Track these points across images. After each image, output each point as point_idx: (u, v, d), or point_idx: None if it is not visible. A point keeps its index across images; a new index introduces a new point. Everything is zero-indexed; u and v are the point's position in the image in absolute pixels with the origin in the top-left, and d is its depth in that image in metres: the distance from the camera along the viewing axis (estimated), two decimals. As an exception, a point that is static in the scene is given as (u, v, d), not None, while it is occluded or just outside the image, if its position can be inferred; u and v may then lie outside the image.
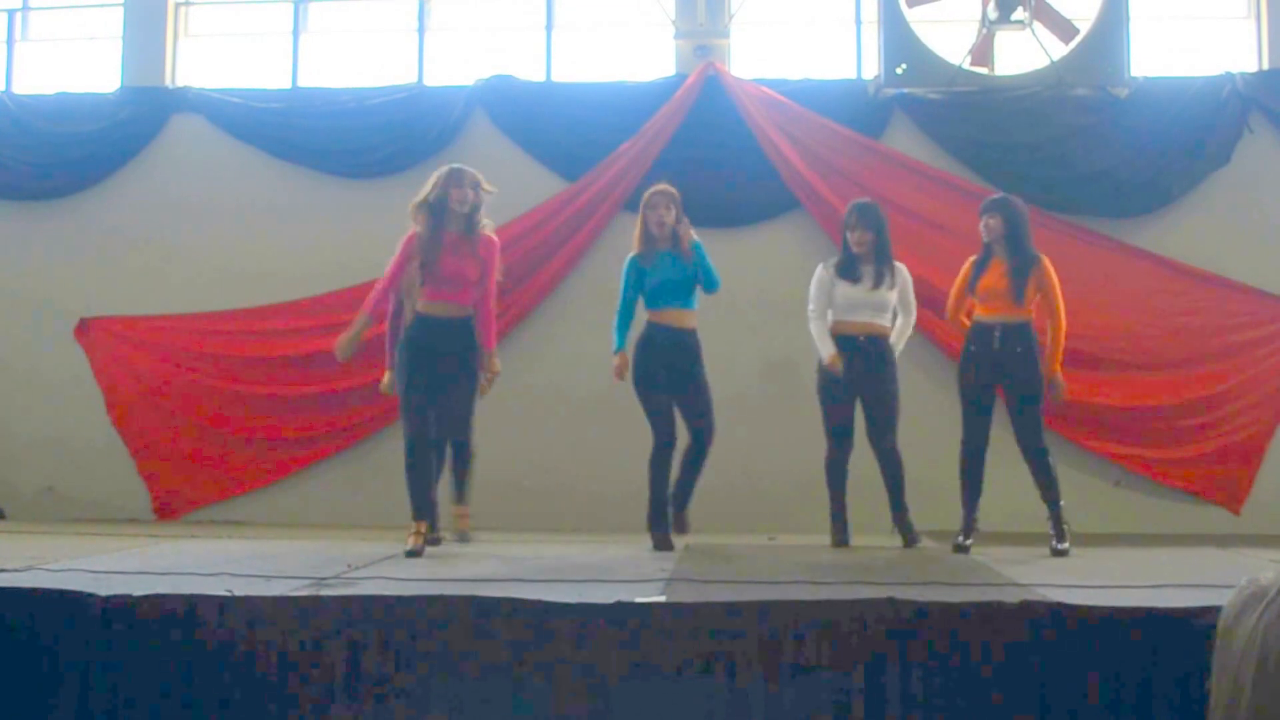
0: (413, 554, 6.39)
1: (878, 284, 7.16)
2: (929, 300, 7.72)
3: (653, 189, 7.18)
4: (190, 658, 4.45)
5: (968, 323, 7.20)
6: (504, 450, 7.53)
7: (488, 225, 6.71)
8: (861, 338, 7.16)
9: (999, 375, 7.02)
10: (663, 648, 4.36)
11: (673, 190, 7.11)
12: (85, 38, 10.56)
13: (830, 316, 7.24)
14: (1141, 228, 9.32)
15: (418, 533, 6.53)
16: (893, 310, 7.28)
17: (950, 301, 7.30)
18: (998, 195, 7.29)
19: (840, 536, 7.25)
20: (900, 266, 7.30)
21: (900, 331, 7.35)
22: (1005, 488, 7.25)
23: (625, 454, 7.76)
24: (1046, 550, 6.97)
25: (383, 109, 9.80)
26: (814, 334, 7.29)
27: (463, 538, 7.02)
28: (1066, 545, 6.85)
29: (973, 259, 7.18)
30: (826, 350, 7.19)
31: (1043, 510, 6.95)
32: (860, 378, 7.17)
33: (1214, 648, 1.51)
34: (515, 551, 6.87)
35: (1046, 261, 7.05)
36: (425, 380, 6.59)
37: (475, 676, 4.38)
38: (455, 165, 6.71)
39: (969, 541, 6.98)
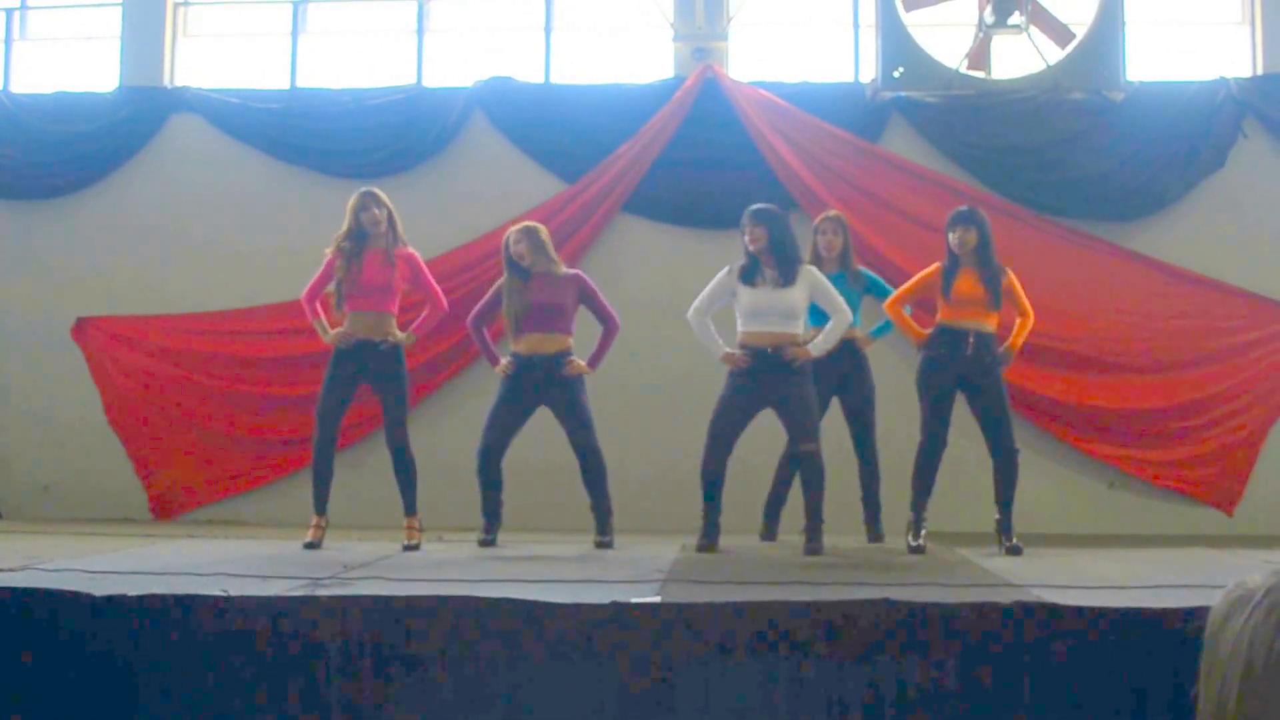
0: (311, 546, 6.88)
1: (780, 284, 6.93)
2: (922, 300, 7.72)
3: (824, 215, 7.81)
4: (186, 658, 4.46)
5: (905, 314, 7.35)
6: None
7: (405, 242, 7.28)
8: (770, 349, 6.89)
9: (966, 381, 7.11)
10: (658, 648, 4.37)
11: (841, 216, 7.73)
12: (84, 37, 10.56)
13: (738, 325, 7.05)
14: (1136, 231, 9.35)
15: (317, 526, 7.04)
16: (804, 317, 7.05)
17: (901, 291, 7.38)
18: (965, 208, 7.35)
19: (711, 540, 7.03)
20: (809, 269, 7.07)
21: (828, 333, 6.98)
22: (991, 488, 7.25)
23: (622, 454, 7.79)
24: (1042, 550, 7.04)
25: (382, 110, 9.80)
26: (696, 332, 7.12)
27: (411, 547, 7.01)
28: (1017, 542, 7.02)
29: (940, 266, 7.21)
30: (717, 350, 7.04)
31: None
32: (766, 391, 6.95)
33: (1202, 651, 1.48)
34: (512, 552, 6.91)
35: (1010, 271, 7.21)
36: (342, 388, 7.17)
37: (470, 676, 4.39)
38: (363, 190, 7.25)
39: (920, 542, 7.07)
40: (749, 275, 7.03)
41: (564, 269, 7.42)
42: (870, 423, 7.62)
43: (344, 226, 7.16)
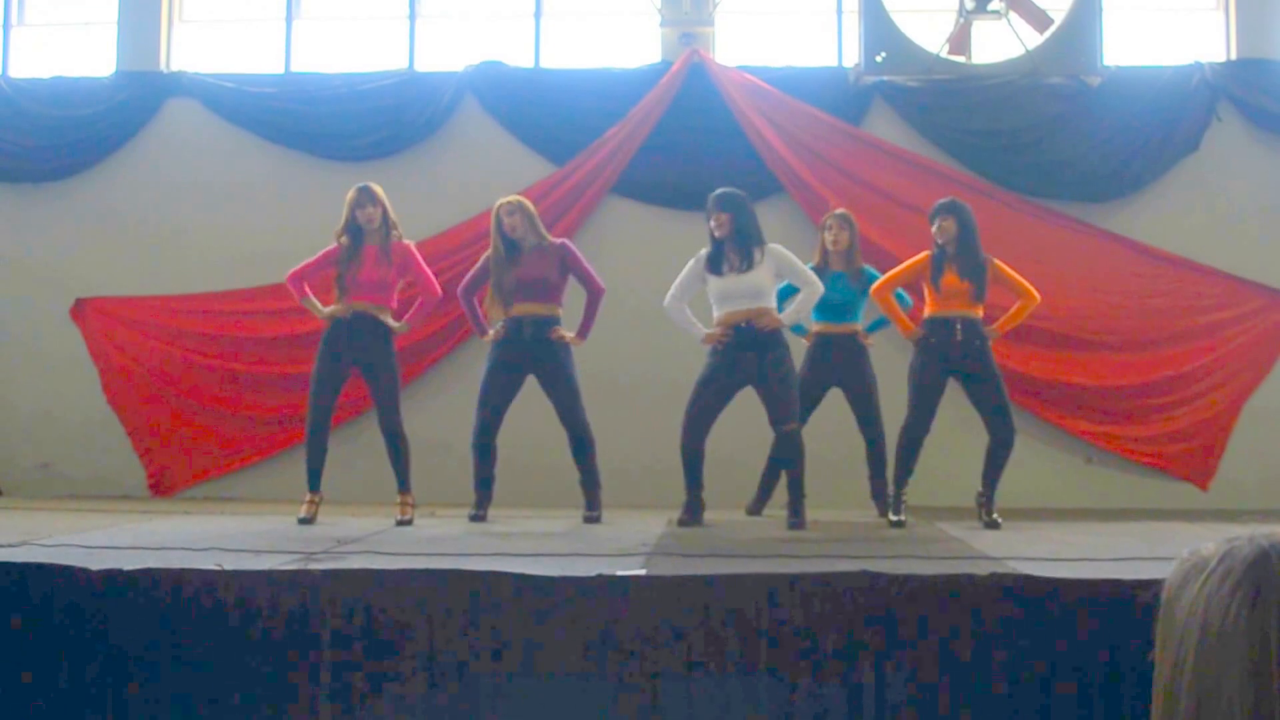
0: (305, 521, 6.98)
1: (745, 268, 7.05)
2: (912, 286, 7.83)
3: (831, 212, 7.96)
4: (180, 631, 4.53)
5: (894, 301, 7.42)
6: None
7: (400, 235, 7.39)
8: (744, 323, 7.01)
9: (958, 368, 7.21)
10: (642, 620, 4.45)
11: (849, 215, 7.88)
12: (81, 22, 10.61)
13: (713, 312, 7.18)
14: (1112, 212, 9.48)
15: (311, 502, 7.13)
16: (773, 295, 7.16)
17: (889, 276, 7.44)
18: (947, 199, 7.44)
19: (693, 515, 7.14)
20: (773, 248, 7.16)
21: (799, 305, 7.15)
22: (976, 465, 7.39)
23: (612, 435, 7.91)
24: (1020, 524, 7.18)
25: (374, 94, 9.87)
26: (674, 320, 7.31)
27: (404, 523, 7.12)
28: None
29: (928, 255, 7.30)
30: (697, 333, 7.19)
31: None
32: (745, 367, 7.05)
33: (1158, 619, 1.48)
34: (502, 527, 7.00)
35: (996, 260, 7.31)
36: (334, 366, 7.26)
37: (459, 649, 4.46)
38: (360, 186, 7.35)
39: (901, 518, 7.20)
40: (715, 264, 7.14)
41: (550, 240, 7.52)
42: (875, 406, 7.69)
43: (341, 220, 7.29)
